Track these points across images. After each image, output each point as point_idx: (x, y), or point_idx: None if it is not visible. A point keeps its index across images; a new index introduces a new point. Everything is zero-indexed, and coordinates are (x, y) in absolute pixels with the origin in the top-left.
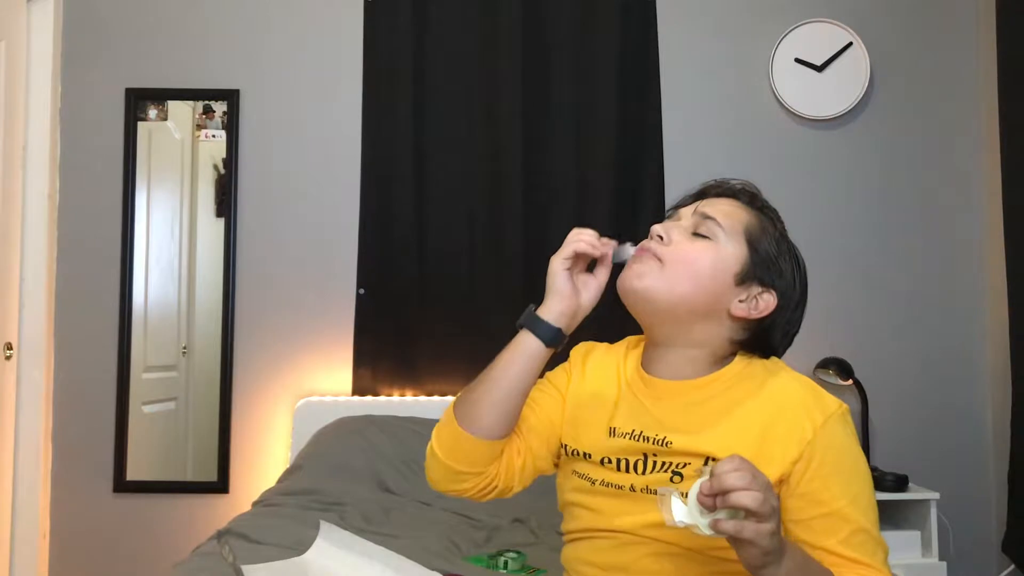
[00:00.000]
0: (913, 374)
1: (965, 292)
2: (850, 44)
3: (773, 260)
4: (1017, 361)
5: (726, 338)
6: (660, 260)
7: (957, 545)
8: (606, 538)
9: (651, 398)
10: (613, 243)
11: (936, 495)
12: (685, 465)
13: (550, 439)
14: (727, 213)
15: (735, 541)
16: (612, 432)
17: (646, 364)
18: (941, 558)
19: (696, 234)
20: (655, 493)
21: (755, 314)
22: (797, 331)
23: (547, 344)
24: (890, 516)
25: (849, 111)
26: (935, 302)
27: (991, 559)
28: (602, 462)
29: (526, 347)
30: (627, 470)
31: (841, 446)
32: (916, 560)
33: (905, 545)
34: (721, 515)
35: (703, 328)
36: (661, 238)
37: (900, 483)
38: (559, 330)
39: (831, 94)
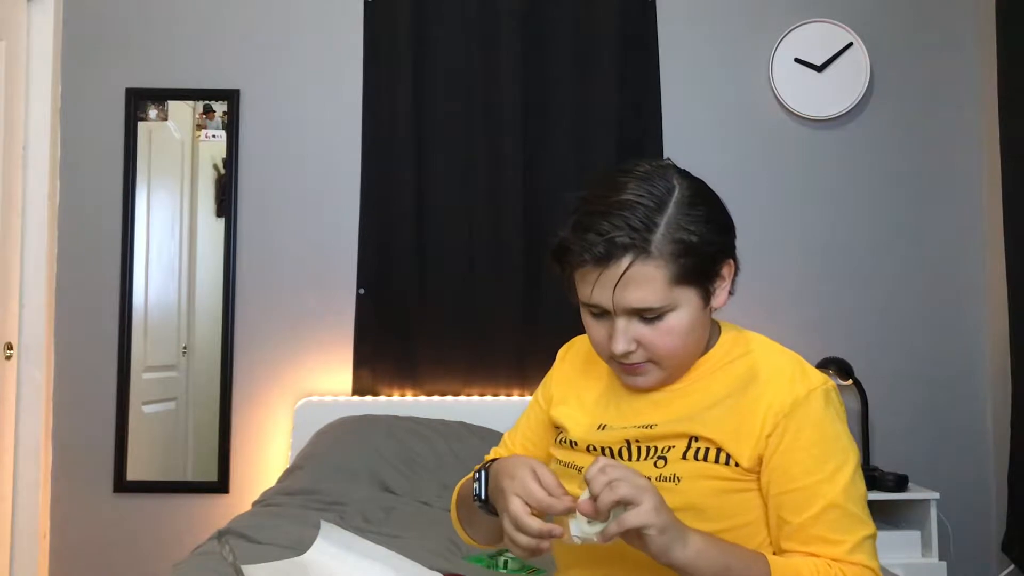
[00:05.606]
0: (913, 374)
1: (965, 292)
2: (850, 44)
3: (702, 244)
4: (1017, 361)
5: (710, 327)
6: (653, 362)
7: (957, 545)
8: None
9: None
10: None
11: (936, 495)
12: (669, 449)
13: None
14: (644, 284)
15: (631, 538)
16: (602, 428)
17: None
18: (941, 558)
19: (644, 319)
20: None
21: (728, 292)
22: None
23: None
24: (890, 516)
25: (849, 111)
26: (935, 302)
27: (991, 559)
28: (588, 450)
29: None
30: (611, 458)
31: (820, 421)
32: (916, 560)
33: (905, 545)
34: (610, 522)
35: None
36: (631, 353)
37: (900, 483)
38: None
39: (831, 94)
